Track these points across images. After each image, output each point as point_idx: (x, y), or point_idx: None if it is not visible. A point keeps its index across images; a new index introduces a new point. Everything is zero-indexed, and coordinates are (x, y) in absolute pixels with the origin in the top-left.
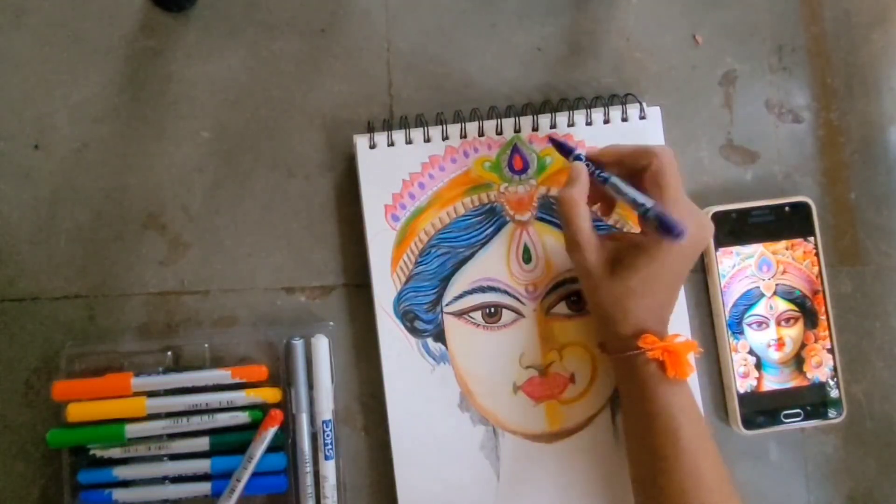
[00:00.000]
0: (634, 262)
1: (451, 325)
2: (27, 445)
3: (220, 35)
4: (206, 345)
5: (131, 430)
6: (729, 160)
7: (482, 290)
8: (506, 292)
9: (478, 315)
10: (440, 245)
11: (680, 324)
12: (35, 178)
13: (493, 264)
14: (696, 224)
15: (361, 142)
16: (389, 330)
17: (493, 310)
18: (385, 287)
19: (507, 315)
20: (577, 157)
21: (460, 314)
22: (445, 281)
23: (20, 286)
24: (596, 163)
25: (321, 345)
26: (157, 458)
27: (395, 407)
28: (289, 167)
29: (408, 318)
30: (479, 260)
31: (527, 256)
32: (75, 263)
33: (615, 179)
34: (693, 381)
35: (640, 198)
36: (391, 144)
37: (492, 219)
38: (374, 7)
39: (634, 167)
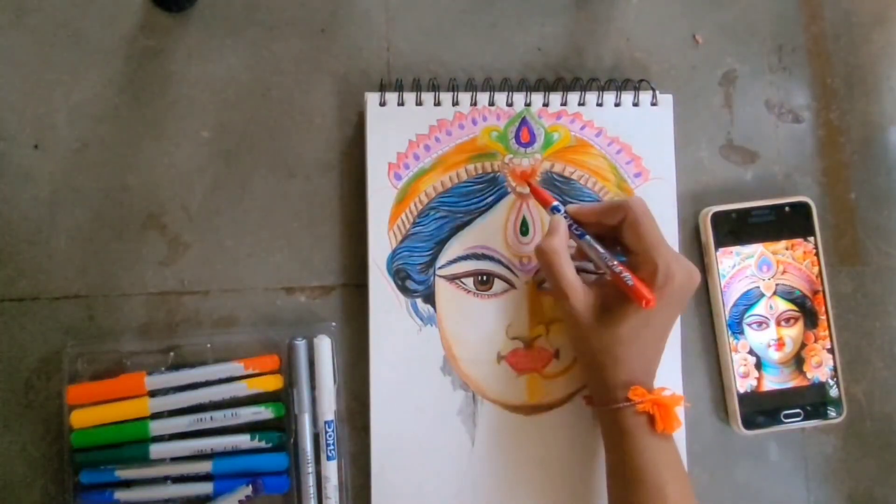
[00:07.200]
0: (623, 308)
1: (442, 289)
2: (27, 445)
3: (220, 35)
4: (209, 344)
5: (156, 427)
6: (729, 160)
7: (476, 256)
8: (500, 262)
9: (470, 281)
10: (440, 208)
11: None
12: (35, 178)
13: (490, 233)
14: (683, 272)
15: (372, 98)
16: (380, 287)
17: (485, 277)
18: (380, 244)
19: (498, 284)
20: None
21: (452, 278)
22: (441, 244)
23: (20, 286)
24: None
25: (324, 345)
26: (159, 459)
27: (378, 364)
28: (289, 167)
29: (400, 276)
30: (477, 227)
31: (524, 229)
32: (75, 263)
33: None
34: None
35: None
36: (401, 104)
37: (493, 188)
38: (374, 7)
39: (611, 223)
